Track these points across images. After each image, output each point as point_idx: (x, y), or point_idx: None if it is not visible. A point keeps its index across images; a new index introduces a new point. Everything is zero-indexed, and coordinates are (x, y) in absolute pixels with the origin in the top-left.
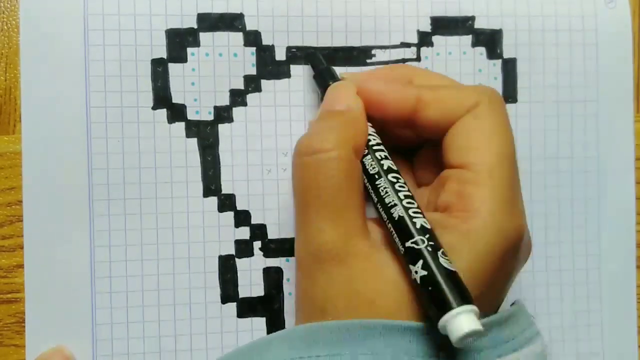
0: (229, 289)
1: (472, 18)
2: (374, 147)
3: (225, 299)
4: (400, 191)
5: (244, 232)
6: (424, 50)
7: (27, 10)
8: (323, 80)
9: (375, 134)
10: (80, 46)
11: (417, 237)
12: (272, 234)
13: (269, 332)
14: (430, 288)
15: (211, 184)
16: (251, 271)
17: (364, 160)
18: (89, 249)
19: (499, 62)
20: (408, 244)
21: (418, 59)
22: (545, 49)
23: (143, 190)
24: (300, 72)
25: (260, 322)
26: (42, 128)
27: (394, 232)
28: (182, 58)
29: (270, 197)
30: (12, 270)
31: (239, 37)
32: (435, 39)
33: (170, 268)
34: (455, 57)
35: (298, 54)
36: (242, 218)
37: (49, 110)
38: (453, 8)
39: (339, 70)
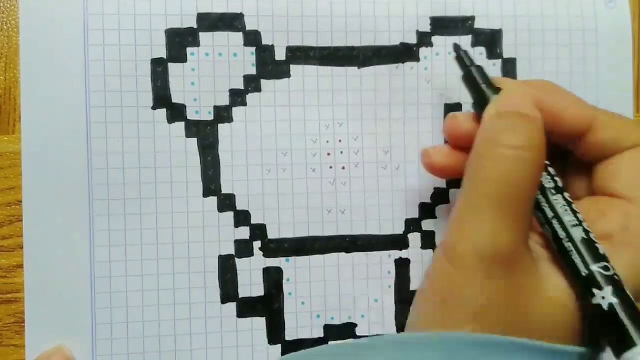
0: (229, 289)
1: (472, 18)
2: (546, 162)
3: (225, 299)
4: (577, 212)
5: (244, 232)
6: (423, 50)
7: (27, 10)
8: (473, 80)
9: None
10: (80, 46)
11: (606, 263)
12: (272, 234)
13: (269, 332)
14: (617, 318)
15: (211, 184)
16: (251, 271)
17: None
18: (88, 249)
19: (499, 62)
20: (595, 267)
21: (417, 59)
22: (545, 49)
23: (143, 190)
24: (301, 72)
25: (260, 322)
26: (41, 128)
27: (573, 250)
28: (182, 58)
29: (270, 197)
30: (12, 270)
31: (239, 37)
32: (435, 39)
33: (170, 268)
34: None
35: (298, 54)
36: (242, 218)
37: (49, 110)
38: (453, 8)
39: (338, 70)
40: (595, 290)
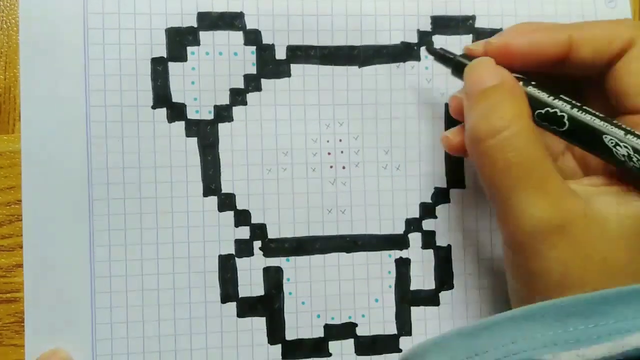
0: (228, 289)
1: (473, 17)
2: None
3: (225, 299)
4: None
5: (244, 232)
6: (424, 49)
7: (27, 9)
8: (461, 69)
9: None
10: (80, 45)
11: None
12: (272, 233)
13: (269, 331)
14: None
15: (211, 183)
16: (251, 271)
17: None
18: (88, 248)
19: None
20: None
21: (418, 58)
22: None
23: (143, 189)
24: (301, 72)
25: (260, 322)
26: (41, 127)
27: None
28: (182, 57)
29: (270, 197)
30: (12, 269)
31: (239, 36)
32: (436, 38)
33: (170, 267)
34: None
35: (299, 53)
36: (242, 218)
37: (49, 109)
38: (454, 7)
39: (339, 69)
40: None
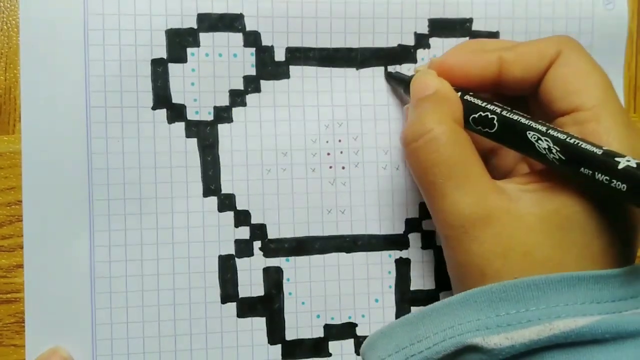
0: (228, 289)
1: (470, 20)
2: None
3: (225, 299)
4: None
5: (244, 232)
6: (421, 52)
7: (27, 9)
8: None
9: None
10: (80, 46)
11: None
12: (272, 233)
13: (269, 332)
14: None
15: (211, 183)
16: (251, 271)
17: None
18: (88, 248)
19: None
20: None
21: (414, 60)
22: None
23: (143, 190)
24: (300, 73)
25: (260, 322)
26: (41, 128)
27: (579, 142)
28: (182, 58)
29: (270, 197)
30: (12, 270)
31: (238, 37)
32: (432, 40)
33: (170, 268)
34: None
35: (298, 55)
36: (241, 218)
37: (49, 110)
38: (451, 10)
39: (337, 70)
40: (617, 159)
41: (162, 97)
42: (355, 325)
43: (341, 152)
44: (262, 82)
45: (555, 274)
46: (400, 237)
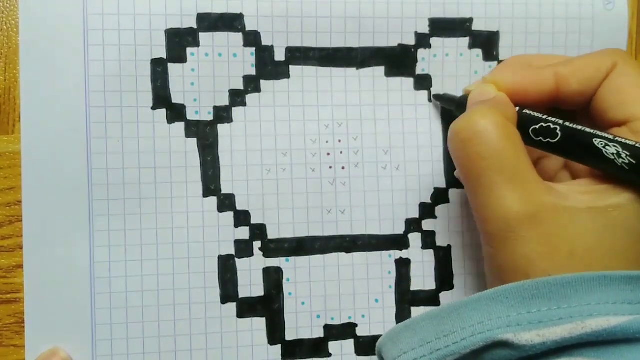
0: (228, 289)
1: (470, 20)
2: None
3: (225, 299)
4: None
5: (244, 232)
6: (421, 51)
7: (27, 10)
8: (463, 106)
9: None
10: (80, 46)
11: None
12: (272, 234)
13: (269, 332)
14: None
15: (211, 184)
16: (251, 271)
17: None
18: (88, 249)
19: (495, 64)
20: None
21: (415, 60)
22: (540, 51)
23: (143, 190)
24: (300, 73)
25: (260, 322)
26: (41, 128)
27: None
28: (181, 58)
29: (270, 197)
30: (12, 270)
31: (238, 37)
32: (433, 40)
33: (170, 268)
34: (452, 59)
35: (298, 55)
36: (241, 218)
37: (49, 110)
38: (451, 10)
39: (337, 70)
40: None
41: (161, 97)
42: (355, 325)
43: (341, 152)
44: (262, 82)
45: (587, 273)
46: (400, 237)
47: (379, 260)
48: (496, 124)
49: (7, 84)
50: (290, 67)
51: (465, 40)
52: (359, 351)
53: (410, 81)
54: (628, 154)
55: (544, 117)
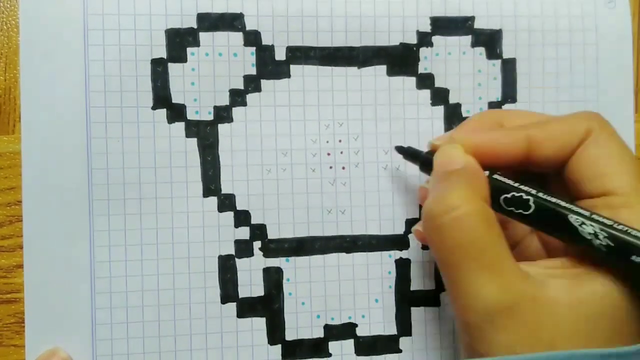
0: (228, 289)
1: (472, 18)
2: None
3: (225, 299)
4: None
5: (244, 232)
6: (423, 50)
7: (27, 10)
8: (429, 163)
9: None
10: (80, 46)
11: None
12: (272, 234)
13: (269, 332)
14: None
15: (211, 183)
16: (251, 271)
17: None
18: (88, 248)
19: (498, 62)
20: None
21: (417, 59)
22: (544, 49)
23: (143, 190)
24: (300, 72)
25: (260, 322)
26: (41, 128)
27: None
28: (182, 58)
29: (270, 197)
30: (12, 270)
31: (238, 37)
32: (435, 39)
33: (170, 268)
34: (454, 58)
35: (298, 54)
36: (242, 218)
37: (49, 110)
38: (453, 8)
39: (338, 69)
40: None
41: (162, 97)
42: (355, 325)
43: (341, 152)
44: (263, 81)
45: (579, 351)
46: (400, 237)
47: (379, 260)
48: (475, 210)
49: (7, 84)
50: (291, 66)
51: (468, 39)
52: (359, 351)
53: (412, 80)
54: (606, 235)
55: (516, 185)
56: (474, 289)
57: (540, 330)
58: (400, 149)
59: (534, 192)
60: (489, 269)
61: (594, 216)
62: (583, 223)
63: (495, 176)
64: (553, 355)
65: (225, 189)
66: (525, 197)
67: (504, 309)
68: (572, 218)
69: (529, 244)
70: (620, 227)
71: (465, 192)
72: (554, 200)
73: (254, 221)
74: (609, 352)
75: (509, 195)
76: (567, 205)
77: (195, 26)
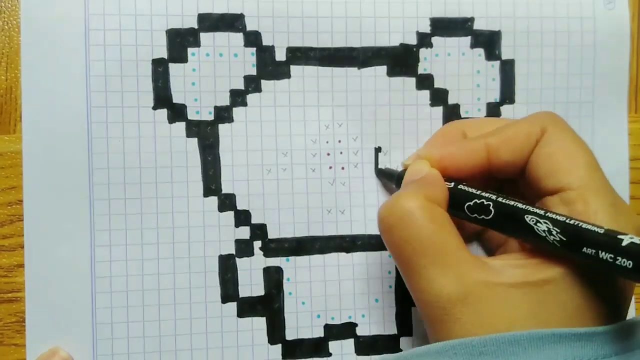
0: (229, 289)
1: (471, 19)
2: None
3: (225, 299)
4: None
5: (244, 232)
6: (423, 51)
7: (28, 10)
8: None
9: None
10: (81, 46)
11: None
12: (272, 233)
13: (269, 331)
14: None
15: (211, 183)
16: (251, 271)
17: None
18: (89, 248)
19: (497, 63)
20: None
21: (417, 59)
22: (543, 50)
23: (143, 189)
24: (300, 73)
25: (260, 322)
26: (42, 128)
27: (579, 223)
28: (182, 58)
29: (270, 197)
30: (13, 269)
31: (239, 37)
32: (435, 40)
33: (170, 267)
34: (453, 58)
35: (299, 55)
36: (242, 218)
37: (50, 110)
38: (452, 9)
39: (338, 70)
40: (620, 236)
41: (162, 97)
42: (356, 325)
43: (341, 153)
44: (263, 81)
45: (537, 330)
46: None
47: (378, 260)
48: (419, 207)
49: (8, 83)
50: (291, 67)
51: (467, 40)
52: (359, 351)
53: (412, 81)
54: (558, 230)
55: (478, 192)
56: (426, 284)
57: (496, 316)
58: (379, 172)
59: (493, 197)
60: (439, 263)
61: (547, 214)
62: (538, 222)
63: (460, 186)
64: (532, 333)
65: (226, 188)
66: (486, 202)
67: (458, 300)
68: (528, 218)
69: (511, 244)
70: (572, 222)
71: (414, 194)
72: (511, 203)
73: (254, 221)
74: (581, 332)
75: (471, 203)
76: (523, 206)
77: (196, 26)
